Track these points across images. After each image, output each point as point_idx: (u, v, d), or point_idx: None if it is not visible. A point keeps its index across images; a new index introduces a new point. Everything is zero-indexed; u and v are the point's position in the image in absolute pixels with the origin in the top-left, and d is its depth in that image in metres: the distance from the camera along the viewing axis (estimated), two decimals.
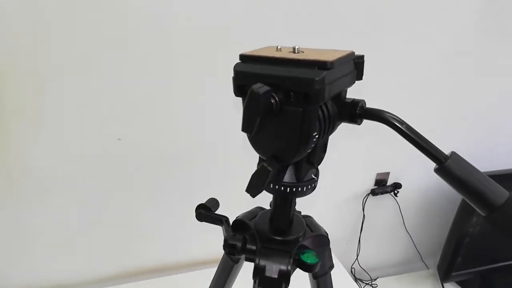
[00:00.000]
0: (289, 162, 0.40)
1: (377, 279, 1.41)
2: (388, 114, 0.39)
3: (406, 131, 0.38)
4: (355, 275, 1.40)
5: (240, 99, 0.39)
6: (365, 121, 1.22)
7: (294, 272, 0.46)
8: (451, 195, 1.32)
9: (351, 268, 1.39)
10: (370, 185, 1.29)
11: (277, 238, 0.47)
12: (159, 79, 0.91)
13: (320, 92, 0.34)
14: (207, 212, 0.53)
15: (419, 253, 1.44)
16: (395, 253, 1.48)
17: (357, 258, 1.37)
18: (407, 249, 1.45)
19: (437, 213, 1.40)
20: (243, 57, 0.39)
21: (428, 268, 1.49)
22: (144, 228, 1.10)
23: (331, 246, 1.36)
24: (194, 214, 0.54)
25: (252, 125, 0.34)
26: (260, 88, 0.33)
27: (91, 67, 0.86)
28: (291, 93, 0.35)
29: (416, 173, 1.31)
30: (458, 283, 1.41)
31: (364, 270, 1.40)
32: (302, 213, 0.54)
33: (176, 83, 0.93)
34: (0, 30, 0.77)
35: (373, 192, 1.28)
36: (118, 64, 0.87)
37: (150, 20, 0.85)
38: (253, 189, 0.38)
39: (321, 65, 0.34)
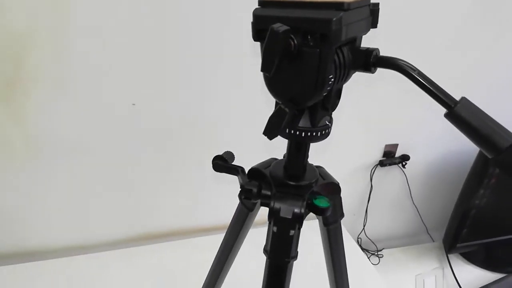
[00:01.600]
0: (305, 106, 0.41)
1: (383, 250, 1.44)
2: (401, 61, 0.40)
3: (418, 76, 0.39)
4: (361, 245, 1.43)
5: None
6: (375, 89, 1.23)
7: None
8: (459, 168, 1.34)
9: (358, 238, 1.42)
10: (379, 156, 1.30)
11: (291, 183, 0.49)
12: (173, 44, 0.92)
13: (337, 32, 0.35)
14: (223, 162, 0.56)
15: (425, 226, 1.46)
16: (401, 225, 1.51)
17: (363, 229, 1.40)
18: (413, 221, 1.48)
19: (444, 186, 1.42)
20: (262, 2, 0.41)
21: (434, 241, 1.51)
22: (157, 192, 1.13)
23: None
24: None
25: (271, 64, 0.36)
26: (279, 27, 0.34)
27: (108, 35, 0.87)
28: (309, 36, 0.37)
29: (425, 146, 1.33)
30: (463, 255, 1.44)
31: (371, 241, 1.44)
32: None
33: (190, 43, 0.94)
34: None
35: (381, 163, 1.29)
36: (135, 32, 0.89)
37: None
38: (270, 131, 0.40)
39: (338, 6, 0.36)
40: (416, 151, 1.32)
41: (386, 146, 1.30)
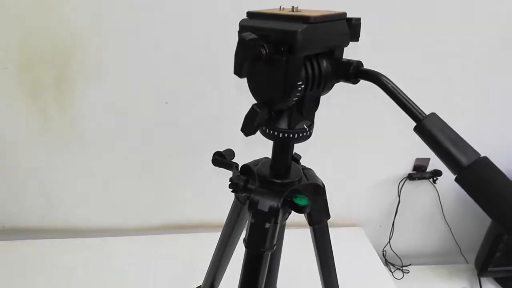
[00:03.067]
0: (277, 108, 0.45)
1: (409, 266, 1.41)
2: (378, 74, 0.42)
3: (392, 89, 0.41)
4: (386, 258, 1.41)
5: None
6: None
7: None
8: None
9: (383, 250, 1.40)
10: (408, 169, 1.28)
11: (274, 180, 0.53)
12: (207, 51, 0.99)
13: (302, 43, 0.39)
14: (221, 158, 0.61)
15: (458, 246, 1.41)
16: (432, 242, 1.46)
17: (389, 242, 1.38)
18: (445, 240, 1.43)
19: (477, 206, 1.36)
20: (249, 14, 0.46)
21: (468, 263, 1.45)
22: (182, 185, 1.21)
23: (364, 226, 1.38)
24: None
25: (240, 68, 0.40)
26: (248, 35, 0.39)
27: (145, 36, 0.97)
28: (280, 44, 0.41)
29: None
30: (497, 280, 1.37)
31: (396, 255, 1.41)
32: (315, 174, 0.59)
33: (218, 50, 1.00)
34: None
35: (410, 177, 1.27)
36: (169, 34, 0.97)
37: None
38: (245, 128, 0.45)
39: (305, 20, 0.39)
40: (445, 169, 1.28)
41: (417, 159, 1.27)
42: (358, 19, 0.45)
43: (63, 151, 1.10)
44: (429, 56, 1.08)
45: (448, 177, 1.29)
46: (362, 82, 0.45)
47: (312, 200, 0.53)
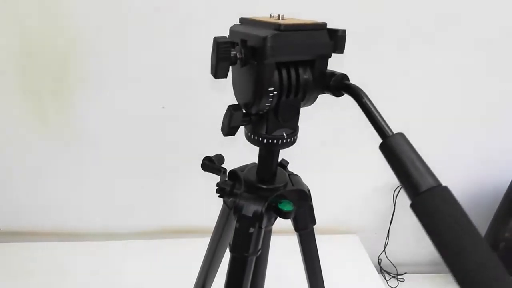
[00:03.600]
0: (252, 111, 0.46)
1: (405, 274, 1.41)
2: (355, 87, 0.41)
3: (365, 102, 0.40)
4: (382, 266, 1.41)
5: None
6: (406, 109, 1.20)
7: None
8: (489, 199, 1.28)
9: (378, 258, 1.40)
10: None
11: (260, 186, 0.54)
12: (206, 56, 1.00)
13: (270, 48, 0.40)
14: (210, 163, 0.62)
15: None
16: (428, 251, 1.45)
17: (384, 250, 1.38)
18: None
19: (474, 216, 1.34)
20: (240, 20, 0.47)
21: None
22: (180, 190, 1.22)
23: (358, 233, 1.38)
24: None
25: (214, 69, 0.42)
26: (220, 38, 0.40)
27: (147, 41, 0.98)
28: (253, 49, 0.42)
29: (454, 173, 1.29)
30: None
31: (391, 263, 1.41)
32: (303, 179, 0.60)
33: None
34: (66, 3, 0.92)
35: None
36: (168, 41, 0.98)
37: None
38: (223, 128, 0.48)
39: (276, 27, 0.41)
40: (444, 178, 1.27)
41: None
42: (343, 31, 0.45)
43: (61, 154, 1.11)
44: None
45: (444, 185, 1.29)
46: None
47: (297, 206, 0.54)
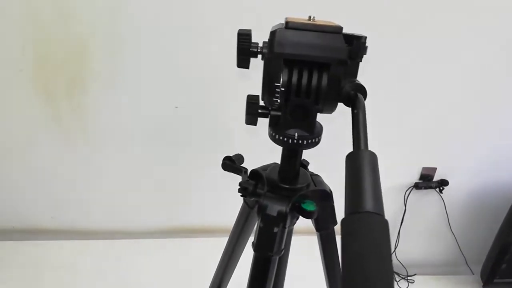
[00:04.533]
0: (265, 104, 0.48)
1: (415, 276, 1.40)
2: (359, 99, 0.41)
3: (358, 113, 0.38)
4: None
5: None
6: (418, 108, 1.20)
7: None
8: (501, 199, 1.28)
9: None
10: (415, 178, 1.29)
11: (282, 185, 0.54)
12: (220, 55, 1.01)
13: (277, 42, 0.42)
14: (231, 163, 0.62)
15: (464, 256, 1.40)
16: (437, 252, 1.45)
17: (394, 251, 1.38)
18: (451, 250, 1.42)
19: (484, 216, 1.36)
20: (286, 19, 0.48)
21: (473, 274, 1.44)
22: (190, 189, 1.22)
23: None
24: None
25: (237, 59, 0.44)
26: (242, 30, 0.43)
27: (162, 41, 0.98)
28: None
29: (466, 173, 1.29)
30: None
31: (402, 264, 1.41)
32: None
33: (231, 58, 1.02)
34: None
35: (417, 186, 1.28)
36: (180, 40, 0.99)
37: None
38: (246, 116, 0.49)
39: (286, 25, 0.42)
40: (456, 177, 1.28)
41: (424, 168, 1.27)
42: (361, 38, 0.43)
43: (73, 153, 1.12)
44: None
45: (455, 187, 1.29)
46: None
47: (320, 206, 0.54)
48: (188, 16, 0.96)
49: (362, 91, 0.43)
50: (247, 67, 0.46)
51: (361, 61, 0.45)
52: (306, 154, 0.58)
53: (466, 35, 1.05)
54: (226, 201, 1.24)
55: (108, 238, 1.23)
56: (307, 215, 0.52)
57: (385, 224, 0.29)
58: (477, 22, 1.03)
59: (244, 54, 0.44)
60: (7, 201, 1.17)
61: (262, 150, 1.14)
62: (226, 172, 0.64)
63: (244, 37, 0.43)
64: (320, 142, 0.51)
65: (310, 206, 0.52)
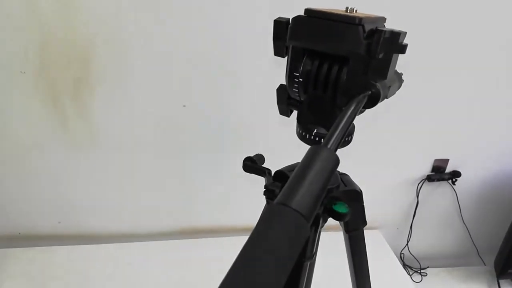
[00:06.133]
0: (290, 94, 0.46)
1: (427, 268, 1.39)
2: (359, 99, 0.38)
3: (344, 111, 0.35)
4: (404, 260, 1.39)
5: None
6: (429, 100, 1.19)
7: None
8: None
9: (401, 253, 1.38)
10: (427, 170, 1.27)
11: None
12: (226, 55, 0.98)
13: (291, 30, 0.42)
14: (252, 164, 0.60)
15: (476, 248, 1.39)
16: (450, 244, 1.44)
17: (407, 244, 1.37)
18: (463, 242, 1.41)
19: (497, 207, 1.34)
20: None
21: (485, 265, 1.43)
22: (200, 190, 1.20)
23: (382, 228, 1.37)
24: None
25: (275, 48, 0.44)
26: (279, 18, 0.42)
27: (168, 40, 0.95)
28: None
29: (479, 164, 1.27)
30: None
31: (414, 257, 1.39)
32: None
33: (238, 55, 0.99)
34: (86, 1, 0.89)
35: (429, 178, 1.26)
36: (186, 40, 0.96)
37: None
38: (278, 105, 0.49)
39: (304, 12, 0.41)
40: (468, 169, 1.27)
41: (436, 160, 1.26)
42: (384, 33, 0.38)
43: (79, 156, 1.09)
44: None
45: (467, 178, 1.28)
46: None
47: (350, 207, 0.52)
48: (192, 13, 0.93)
49: (374, 92, 0.40)
50: (283, 56, 0.45)
51: (388, 58, 0.41)
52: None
53: (480, 28, 1.03)
54: (236, 200, 1.23)
55: (116, 242, 1.21)
56: (339, 217, 0.49)
57: (301, 227, 0.26)
58: (489, 14, 1.01)
59: (278, 42, 0.43)
60: (13, 206, 1.14)
61: (276, 149, 1.12)
62: (247, 172, 0.62)
63: (278, 26, 0.42)
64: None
65: (342, 208, 0.49)
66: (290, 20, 0.41)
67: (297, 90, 0.44)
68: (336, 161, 0.30)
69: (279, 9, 0.56)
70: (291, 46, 0.43)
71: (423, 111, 1.15)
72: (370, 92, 0.40)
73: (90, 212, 1.19)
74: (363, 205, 0.56)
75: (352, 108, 0.35)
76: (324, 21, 0.39)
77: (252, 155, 0.62)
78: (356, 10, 0.41)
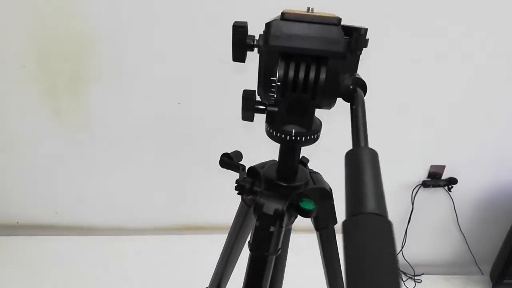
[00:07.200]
0: (262, 99, 0.46)
1: (422, 275, 1.38)
2: (358, 94, 0.39)
3: (357, 109, 0.37)
4: (398, 266, 1.38)
5: None
6: (424, 105, 1.18)
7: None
8: (511, 198, 1.25)
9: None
10: (423, 176, 1.26)
11: (280, 183, 0.52)
12: (218, 52, 0.99)
13: (272, 35, 0.40)
14: (228, 160, 0.61)
15: (473, 256, 1.37)
16: (446, 252, 1.43)
17: (401, 250, 1.36)
18: (460, 250, 1.40)
19: (495, 215, 1.32)
20: (282, 12, 0.46)
21: (483, 274, 1.41)
22: (193, 187, 1.21)
23: None
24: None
25: (233, 52, 0.43)
26: (238, 22, 0.42)
27: (164, 37, 0.97)
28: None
29: (476, 171, 1.25)
30: None
31: (409, 264, 1.38)
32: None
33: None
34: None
35: (425, 184, 1.25)
36: (182, 38, 0.97)
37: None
38: (242, 112, 0.47)
39: (282, 16, 0.40)
40: (465, 176, 1.25)
41: (432, 166, 1.25)
42: (362, 30, 0.40)
43: (76, 149, 1.12)
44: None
45: (464, 185, 1.27)
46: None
47: (319, 205, 0.52)
48: (189, 11, 0.95)
49: (362, 85, 0.41)
50: (243, 61, 0.45)
51: (360, 54, 0.43)
52: (306, 151, 0.57)
53: (478, 32, 1.02)
54: (230, 198, 1.23)
55: (111, 234, 1.23)
56: (305, 214, 0.50)
57: (388, 226, 0.27)
58: (491, 16, 1.00)
59: (240, 47, 0.43)
60: (11, 196, 1.18)
61: (269, 147, 1.12)
62: (223, 168, 0.63)
63: (239, 29, 0.42)
64: (319, 139, 0.50)
65: (308, 205, 0.50)
66: (265, 25, 0.41)
67: (273, 95, 0.44)
68: (376, 154, 0.31)
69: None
70: (263, 51, 0.42)
71: (421, 116, 1.14)
72: (362, 84, 0.41)
73: (86, 204, 1.22)
74: (333, 203, 0.56)
75: (361, 102, 0.37)
76: (303, 23, 0.40)
77: (229, 152, 0.63)
78: (313, 10, 0.42)
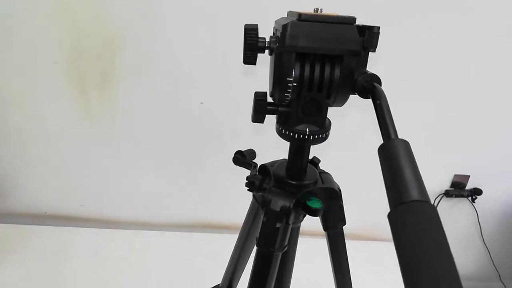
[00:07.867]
0: (275, 100, 0.47)
1: None
2: (379, 90, 0.39)
3: (381, 104, 0.37)
4: None
5: None
6: (453, 111, 1.15)
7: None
8: None
9: None
10: (445, 185, 1.23)
11: (289, 181, 0.53)
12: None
13: (289, 37, 0.41)
14: (241, 157, 0.62)
15: (497, 271, 1.33)
16: (468, 266, 1.39)
17: None
18: (483, 264, 1.35)
19: None
20: (288, 13, 0.48)
21: None
22: (218, 186, 1.23)
23: (385, 241, 1.33)
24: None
25: (244, 55, 0.44)
26: (249, 25, 0.42)
27: (192, 37, 1.01)
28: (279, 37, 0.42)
29: (501, 182, 1.22)
30: None
31: None
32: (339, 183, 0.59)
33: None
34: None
35: (447, 194, 1.22)
36: (206, 38, 1.00)
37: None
38: (254, 115, 0.48)
39: (298, 17, 0.41)
40: (490, 186, 1.22)
41: (456, 176, 1.22)
42: (374, 28, 0.42)
43: (104, 144, 1.16)
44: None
45: (489, 196, 1.23)
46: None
47: (327, 205, 0.53)
48: (220, 9, 0.97)
49: (377, 80, 0.42)
50: (254, 63, 0.46)
51: (374, 51, 0.44)
52: (316, 151, 0.57)
53: (502, 34, 1.00)
54: (243, 197, 1.25)
55: (134, 229, 1.27)
56: (312, 212, 0.51)
57: (434, 210, 0.29)
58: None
59: (252, 50, 0.44)
60: (41, 187, 1.23)
61: (283, 146, 1.13)
62: (236, 165, 0.64)
63: (251, 32, 0.43)
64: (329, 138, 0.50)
65: (315, 204, 0.51)
66: (282, 26, 0.41)
67: (289, 95, 0.45)
68: (408, 143, 0.33)
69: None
70: (278, 52, 0.43)
71: (444, 123, 1.12)
72: (377, 79, 0.42)
73: (110, 198, 1.26)
74: (342, 204, 0.56)
75: (383, 96, 0.37)
76: (319, 23, 0.42)
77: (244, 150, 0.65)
78: (322, 10, 0.43)
